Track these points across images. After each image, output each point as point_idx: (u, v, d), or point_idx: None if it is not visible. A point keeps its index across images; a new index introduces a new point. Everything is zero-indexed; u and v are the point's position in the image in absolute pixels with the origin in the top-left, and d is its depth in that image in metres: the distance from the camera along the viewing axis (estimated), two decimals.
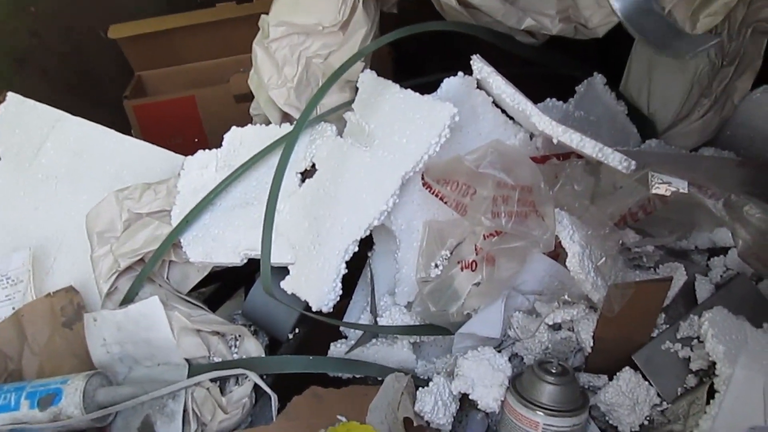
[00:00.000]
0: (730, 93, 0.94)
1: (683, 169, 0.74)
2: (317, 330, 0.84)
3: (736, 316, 0.71)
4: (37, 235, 0.93)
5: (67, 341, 0.80)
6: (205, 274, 0.87)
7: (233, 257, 0.82)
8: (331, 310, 0.76)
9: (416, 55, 1.16)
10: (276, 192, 0.78)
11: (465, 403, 0.73)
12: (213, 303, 0.94)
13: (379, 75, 0.84)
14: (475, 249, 0.73)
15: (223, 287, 0.98)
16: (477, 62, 0.81)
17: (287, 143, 0.82)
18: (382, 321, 0.79)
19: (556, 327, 0.76)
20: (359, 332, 0.81)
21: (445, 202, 0.76)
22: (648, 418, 0.71)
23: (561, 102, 0.92)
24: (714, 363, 0.68)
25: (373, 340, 0.80)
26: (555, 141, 0.74)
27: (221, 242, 0.83)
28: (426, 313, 0.76)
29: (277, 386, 0.77)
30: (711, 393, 0.67)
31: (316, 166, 0.83)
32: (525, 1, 0.89)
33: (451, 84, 0.82)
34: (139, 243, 0.84)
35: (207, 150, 0.91)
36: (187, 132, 1.29)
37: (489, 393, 0.70)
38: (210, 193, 0.85)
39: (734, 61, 0.91)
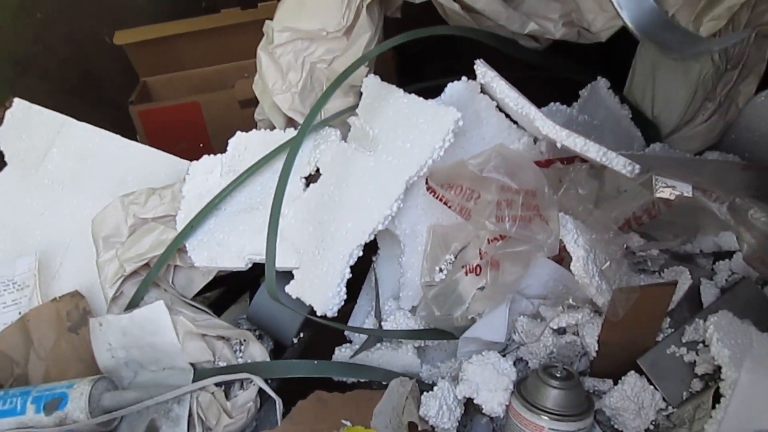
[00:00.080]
0: (735, 96, 0.94)
1: (687, 172, 0.74)
2: (322, 334, 0.84)
3: (741, 320, 0.71)
4: (43, 240, 0.93)
5: (73, 346, 0.81)
6: (210, 278, 0.87)
7: (238, 262, 0.82)
8: (336, 314, 0.77)
9: (420, 60, 1.17)
10: (280, 197, 0.78)
11: (470, 407, 0.73)
12: (218, 307, 0.94)
13: (383, 80, 0.85)
14: (480, 253, 0.73)
15: (228, 292, 0.98)
16: (480, 67, 0.81)
17: (291, 148, 0.82)
18: (387, 325, 0.79)
19: (561, 331, 0.76)
20: (364, 336, 0.81)
21: (449, 207, 0.76)
22: (653, 423, 0.71)
23: (565, 106, 0.92)
24: (719, 367, 0.67)
25: (378, 345, 0.80)
26: (559, 145, 0.74)
27: (226, 247, 0.83)
28: (430, 317, 0.76)
29: (281, 390, 0.77)
30: (716, 397, 0.67)
31: (321, 171, 0.83)
32: (528, 6, 0.89)
33: (454, 88, 0.83)
34: (145, 248, 0.85)
35: (212, 155, 0.91)
36: (192, 137, 1.30)
37: (494, 397, 0.70)
38: (215, 198, 0.85)
39: (738, 65, 0.91)
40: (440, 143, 0.75)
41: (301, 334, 0.85)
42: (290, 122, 0.92)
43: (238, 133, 0.91)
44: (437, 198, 0.77)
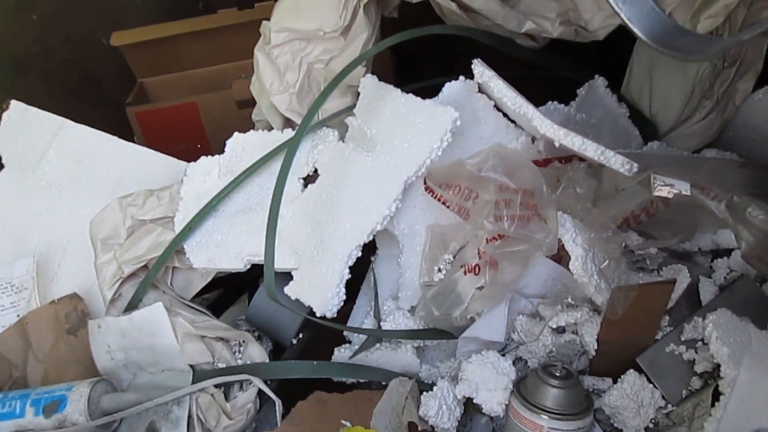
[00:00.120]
0: (732, 94, 0.94)
1: (685, 171, 0.74)
2: (321, 335, 0.84)
3: (740, 317, 0.71)
4: (41, 243, 0.93)
5: (72, 348, 0.80)
6: (209, 280, 0.87)
7: (236, 263, 0.82)
8: (335, 315, 0.76)
9: (417, 60, 1.17)
10: (278, 197, 0.78)
11: (469, 407, 0.73)
12: (217, 309, 0.94)
13: (380, 79, 0.84)
14: (478, 253, 0.73)
15: (227, 293, 0.98)
16: (478, 66, 0.81)
17: (289, 149, 0.82)
18: (386, 325, 0.79)
19: (560, 330, 0.76)
20: (363, 337, 0.81)
21: (448, 207, 0.76)
22: (653, 421, 0.71)
23: (562, 105, 0.92)
24: (718, 365, 0.68)
25: (377, 345, 0.80)
26: (557, 144, 0.74)
27: (224, 248, 0.83)
28: (429, 317, 0.76)
29: (281, 391, 0.77)
30: (716, 395, 0.67)
31: (319, 172, 0.83)
32: (525, 5, 0.89)
33: (452, 88, 0.83)
34: (143, 249, 0.84)
35: (209, 156, 0.91)
36: (189, 138, 1.30)
37: (493, 397, 0.70)
38: (213, 199, 0.85)
39: (735, 63, 0.91)
40: (438, 143, 0.75)
41: (300, 335, 0.85)
42: (288, 123, 0.92)
43: (236, 133, 0.91)
44: (435, 198, 0.77)
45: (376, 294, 0.83)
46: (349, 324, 0.85)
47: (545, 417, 0.66)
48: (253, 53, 0.93)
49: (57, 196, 0.95)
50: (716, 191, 0.73)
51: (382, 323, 0.80)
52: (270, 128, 0.92)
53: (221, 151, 0.90)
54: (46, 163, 0.97)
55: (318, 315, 0.76)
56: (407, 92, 0.81)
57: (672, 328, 0.74)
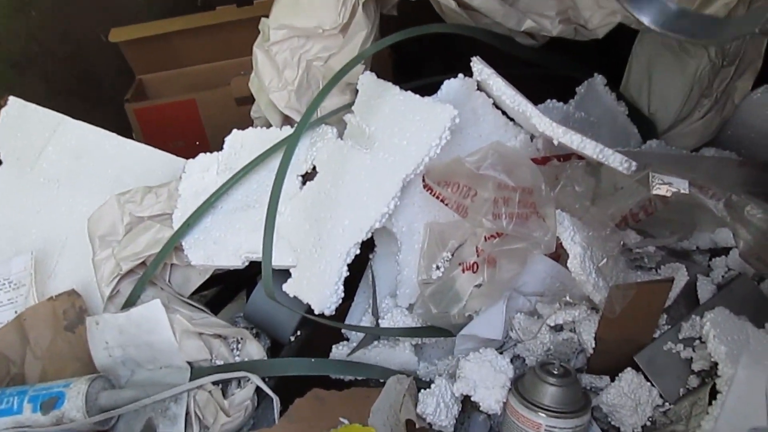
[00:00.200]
0: (731, 93, 0.94)
1: (684, 169, 0.74)
2: (319, 332, 0.84)
3: (737, 316, 0.71)
4: (39, 239, 0.93)
5: (70, 345, 0.80)
6: (207, 277, 0.87)
7: (234, 260, 0.82)
8: (333, 312, 0.76)
9: (417, 57, 1.17)
10: (277, 195, 0.78)
11: (467, 404, 0.73)
12: (215, 306, 0.94)
13: (379, 77, 0.84)
14: (476, 251, 0.73)
15: (225, 290, 0.98)
16: (477, 64, 0.81)
17: (288, 146, 0.82)
18: (384, 323, 0.79)
19: (558, 328, 0.76)
20: (361, 334, 0.81)
21: (446, 204, 0.76)
22: (650, 419, 0.71)
23: (561, 103, 0.92)
24: (716, 363, 0.68)
25: (375, 342, 0.80)
26: (555, 142, 0.74)
27: (222, 245, 0.83)
28: (427, 315, 0.76)
29: (279, 389, 0.77)
30: (713, 393, 0.67)
31: (317, 169, 0.83)
32: (525, 3, 0.89)
33: (451, 86, 0.83)
34: (141, 246, 0.84)
35: (208, 153, 0.91)
36: (188, 135, 1.30)
37: (491, 394, 0.70)
38: (211, 196, 0.85)
39: (734, 61, 0.91)
40: (437, 141, 0.75)
41: (299, 333, 0.85)
42: (287, 120, 0.92)
43: (235, 130, 0.91)
44: (434, 195, 0.77)
45: (375, 291, 0.83)
46: (347, 321, 0.85)
47: (543, 415, 0.66)
48: (252, 50, 0.93)
49: (55, 193, 0.95)
50: (715, 190, 0.73)
51: (380, 321, 0.80)
52: (269, 125, 0.92)
53: (220, 148, 0.90)
54: (45, 159, 0.97)
55: (316, 312, 0.76)
56: (406, 90, 0.81)
57: (670, 327, 0.74)
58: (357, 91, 0.85)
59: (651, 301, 0.72)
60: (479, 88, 0.83)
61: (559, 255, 0.75)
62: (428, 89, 0.82)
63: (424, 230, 0.78)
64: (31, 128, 0.98)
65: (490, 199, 0.71)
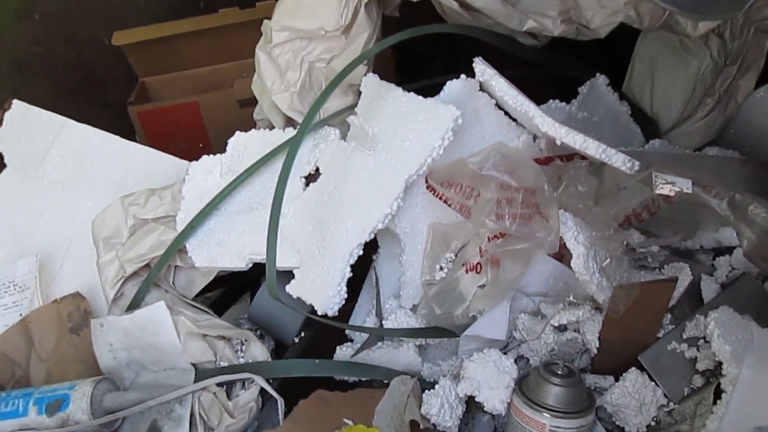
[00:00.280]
0: (734, 92, 0.94)
1: (687, 168, 0.74)
2: (323, 333, 0.84)
3: (742, 315, 0.71)
4: (44, 242, 0.93)
5: (74, 347, 0.81)
6: (211, 278, 0.87)
7: (238, 262, 0.82)
8: (337, 313, 0.77)
9: (419, 58, 1.17)
10: (280, 196, 0.78)
11: (471, 405, 0.73)
12: (219, 308, 0.94)
13: (381, 78, 0.84)
14: (480, 251, 0.73)
15: (229, 292, 0.98)
16: (479, 64, 0.81)
17: (291, 147, 0.82)
18: (388, 324, 0.80)
19: (562, 328, 0.76)
20: (365, 335, 0.81)
21: (449, 205, 0.76)
22: (655, 419, 0.71)
23: (564, 103, 0.92)
24: (720, 363, 0.68)
25: (379, 343, 0.80)
26: (558, 142, 0.74)
27: (226, 247, 0.83)
28: (431, 315, 0.76)
29: (283, 390, 0.77)
30: (718, 393, 0.67)
31: (320, 170, 0.83)
32: (526, 3, 0.89)
33: (453, 87, 0.83)
34: (145, 248, 0.85)
35: (211, 155, 0.91)
36: (191, 137, 1.30)
37: (495, 395, 0.70)
38: (215, 198, 0.85)
39: (737, 60, 0.91)
40: (439, 141, 0.75)
41: (302, 334, 0.85)
42: (289, 122, 0.92)
43: (238, 132, 0.91)
44: (437, 196, 0.77)
45: (378, 292, 0.83)
46: (350, 322, 0.85)
47: (547, 415, 0.66)
48: (254, 52, 0.93)
49: (59, 196, 0.96)
50: (718, 189, 0.73)
51: (383, 322, 0.80)
52: (271, 127, 0.92)
53: (223, 150, 0.90)
54: (49, 162, 0.97)
55: (320, 313, 0.76)
56: (409, 91, 0.81)
57: (674, 326, 0.74)
58: (360, 92, 0.85)
59: (655, 300, 0.72)
60: (482, 88, 0.83)
61: (562, 255, 0.75)
62: (431, 90, 0.82)
63: (427, 231, 0.78)
64: (34, 131, 0.99)
65: (493, 199, 0.71)
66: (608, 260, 0.73)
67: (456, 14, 0.90)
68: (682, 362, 0.72)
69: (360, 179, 0.79)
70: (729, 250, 0.81)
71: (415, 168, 0.75)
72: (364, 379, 0.79)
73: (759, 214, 0.71)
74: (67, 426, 0.73)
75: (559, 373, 0.68)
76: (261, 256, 0.79)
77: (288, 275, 0.80)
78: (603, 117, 0.94)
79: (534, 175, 0.73)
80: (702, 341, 0.72)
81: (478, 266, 0.73)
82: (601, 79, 0.96)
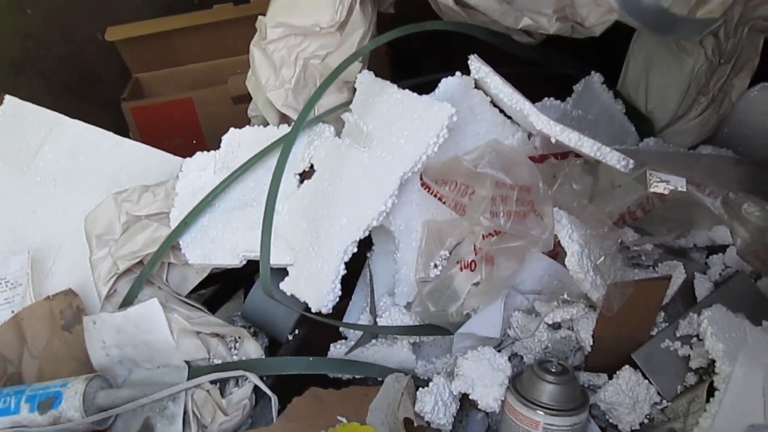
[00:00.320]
0: (728, 91, 0.94)
1: (681, 167, 0.74)
2: (317, 331, 0.84)
3: (735, 314, 0.71)
4: (36, 238, 0.93)
5: (67, 344, 0.80)
6: (204, 275, 0.87)
7: (232, 259, 0.82)
8: (331, 310, 0.76)
9: (414, 56, 1.16)
10: (274, 193, 0.78)
11: (465, 403, 0.73)
12: (212, 305, 0.94)
13: (377, 75, 0.84)
14: (474, 249, 0.73)
15: (223, 289, 0.98)
16: (475, 62, 0.81)
17: (285, 144, 0.82)
18: (382, 321, 0.79)
19: (556, 326, 0.76)
20: (359, 333, 0.81)
21: (444, 202, 0.76)
22: (648, 417, 0.71)
23: (559, 101, 0.93)
24: (713, 361, 0.68)
25: (373, 341, 0.80)
26: (553, 140, 0.74)
27: (220, 244, 0.83)
28: (425, 313, 0.76)
29: (277, 387, 0.77)
30: (711, 391, 0.67)
31: (315, 167, 0.83)
32: (522, 1, 0.88)
33: (448, 84, 0.82)
34: (138, 245, 0.84)
35: (205, 152, 0.91)
36: (185, 134, 1.29)
37: (489, 393, 0.70)
38: (208, 195, 0.85)
39: (731, 59, 0.91)
40: (434, 139, 0.75)
41: (296, 331, 0.85)
42: (284, 118, 0.92)
43: (232, 129, 0.91)
44: (432, 194, 0.77)
45: (372, 290, 0.83)
46: (344, 320, 0.84)
47: (541, 413, 0.66)
48: (248, 49, 0.93)
49: (52, 192, 0.95)
50: (712, 188, 0.73)
51: (378, 319, 0.80)
52: (266, 124, 0.92)
53: (217, 146, 0.90)
54: (41, 158, 0.97)
55: (313, 311, 0.76)
56: (404, 88, 0.81)
57: (667, 324, 0.74)
58: (354, 89, 0.85)
59: (648, 298, 0.72)
60: (477, 86, 0.83)
61: (557, 253, 0.75)
62: (426, 87, 0.82)
63: (421, 228, 0.78)
64: (27, 127, 0.98)
65: (487, 197, 0.71)
66: (602, 258, 0.73)
67: (451, 11, 0.90)
68: (675, 360, 0.72)
69: (355, 176, 0.79)
70: (722, 248, 0.81)
71: (409, 165, 0.75)
72: (358, 376, 0.79)
73: (752, 212, 0.71)
74: (59, 423, 0.73)
75: (553, 370, 0.68)
76: (255, 254, 0.78)
77: (282, 272, 0.79)
78: (598, 115, 0.94)
79: (529, 173, 0.73)
80: (695, 339, 0.72)
81: (473, 264, 0.73)
82: (596, 78, 0.96)
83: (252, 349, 0.79)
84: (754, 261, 0.74)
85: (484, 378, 0.70)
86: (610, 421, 0.72)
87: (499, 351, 0.75)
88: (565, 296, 0.75)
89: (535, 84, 0.86)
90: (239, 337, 0.80)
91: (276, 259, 0.78)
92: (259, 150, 0.86)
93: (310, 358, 0.78)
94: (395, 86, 0.81)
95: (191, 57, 1.39)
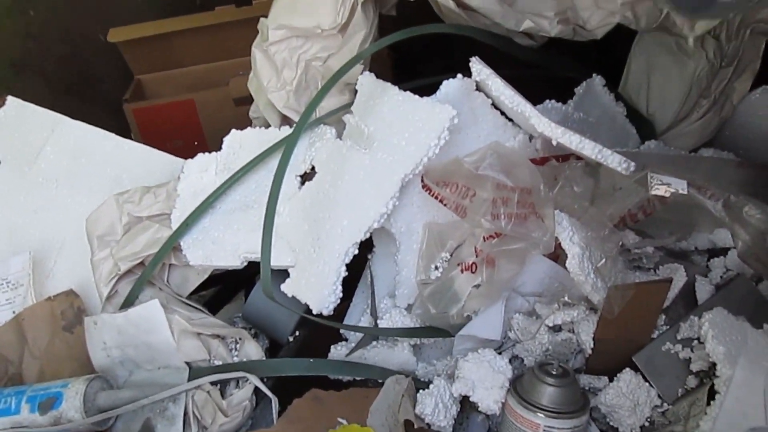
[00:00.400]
0: (729, 94, 0.94)
1: (682, 170, 0.74)
2: (317, 333, 0.84)
3: (736, 316, 0.71)
4: (37, 239, 0.93)
5: (68, 345, 0.80)
6: (205, 277, 0.87)
7: (233, 260, 0.82)
8: (332, 312, 0.76)
9: (415, 58, 1.16)
10: (276, 195, 0.78)
11: (465, 405, 0.73)
12: (213, 306, 0.94)
13: (378, 77, 0.84)
14: (475, 251, 0.73)
15: (224, 290, 0.98)
16: (476, 64, 0.81)
17: (287, 146, 0.82)
18: (383, 323, 0.79)
19: (557, 329, 0.76)
20: (359, 335, 0.81)
21: (445, 205, 0.76)
22: (649, 420, 0.71)
23: (560, 104, 0.92)
24: (714, 364, 0.68)
25: (374, 343, 0.80)
26: (554, 143, 0.74)
27: (221, 245, 0.83)
28: (426, 315, 0.76)
29: (277, 389, 0.77)
30: (711, 394, 0.67)
31: (316, 169, 0.83)
32: (523, 3, 0.89)
33: (450, 86, 0.82)
34: (139, 246, 0.84)
35: (207, 153, 0.91)
36: (186, 135, 1.30)
37: (489, 395, 0.70)
38: (210, 197, 0.85)
39: (733, 62, 0.91)
40: (435, 141, 0.75)
41: (297, 333, 0.85)
42: (285, 120, 0.92)
43: (233, 131, 0.91)
44: (433, 196, 0.77)
45: (373, 292, 0.83)
46: (345, 322, 0.84)
47: (541, 415, 0.66)
48: (250, 50, 0.93)
49: (53, 193, 0.95)
50: (713, 190, 0.73)
51: (378, 321, 0.80)
52: (267, 125, 0.92)
53: (218, 148, 0.90)
54: (43, 159, 0.97)
55: (314, 312, 0.76)
56: (405, 90, 0.81)
57: (668, 327, 0.74)
58: (356, 91, 0.85)
59: (649, 301, 0.72)
60: (478, 88, 0.83)
61: (557, 255, 0.75)
62: (427, 89, 0.82)
63: (422, 230, 0.78)
64: (29, 128, 0.98)
65: (488, 199, 0.71)
66: (603, 261, 0.73)
67: (453, 14, 0.90)
68: (676, 363, 0.72)
69: (356, 178, 0.79)
70: (724, 251, 0.81)
71: (411, 167, 0.75)
72: (358, 378, 0.79)
73: (754, 215, 0.71)
74: (59, 424, 0.73)
75: (554, 373, 0.68)
76: (256, 255, 0.78)
77: (283, 274, 0.79)
78: (599, 118, 0.94)
79: (530, 175, 0.73)
80: (696, 342, 0.72)
81: (474, 266, 0.73)
82: (597, 80, 0.96)
83: (253, 350, 0.79)
84: (755, 264, 0.74)
85: (485, 380, 0.70)
86: (611, 423, 0.72)
87: (500, 353, 0.75)
88: (566, 299, 0.75)
89: (536, 86, 0.86)
90: (240, 339, 0.80)
91: (277, 261, 0.78)
92: (261, 151, 0.86)
93: (311, 360, 0.78)
94: (396, 88, 0.81)
95: (193, 58, 1.39)
